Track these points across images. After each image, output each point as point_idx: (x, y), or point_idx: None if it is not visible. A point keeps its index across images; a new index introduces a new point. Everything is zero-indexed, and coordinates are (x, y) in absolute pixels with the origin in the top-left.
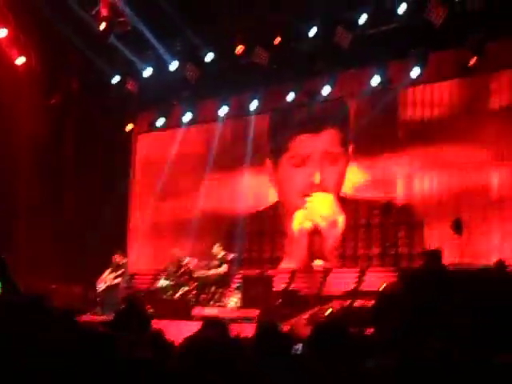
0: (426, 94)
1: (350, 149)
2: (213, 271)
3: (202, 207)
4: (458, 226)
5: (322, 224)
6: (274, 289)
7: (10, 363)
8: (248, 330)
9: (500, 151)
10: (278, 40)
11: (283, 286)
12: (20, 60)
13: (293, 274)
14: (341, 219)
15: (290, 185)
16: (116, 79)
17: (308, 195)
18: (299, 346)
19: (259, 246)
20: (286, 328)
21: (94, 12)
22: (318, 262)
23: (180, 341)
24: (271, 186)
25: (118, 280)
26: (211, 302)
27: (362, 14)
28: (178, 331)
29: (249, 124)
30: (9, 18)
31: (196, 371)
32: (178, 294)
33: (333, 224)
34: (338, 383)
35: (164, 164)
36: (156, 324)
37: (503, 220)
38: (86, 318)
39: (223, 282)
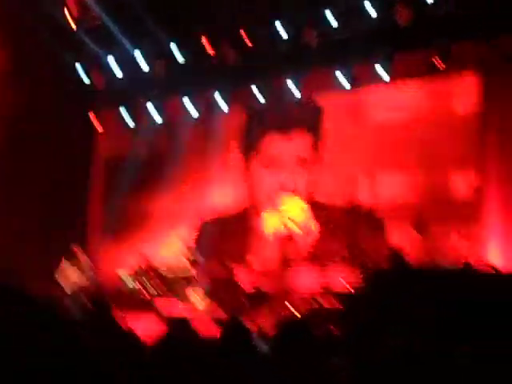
0: (391, 96)
1: (323, 153)
2: (178, 268)
3: (167, 205)
4: (419, 225)
5: (296, 230)
6: (241, 288)
7: None
8: (214, 329)
9: (460, 154)
10: (246, 39)
11: (250, 285)
12: None
13: (260, 273)
14: (314, 227)
15: (260, 186)
16: (83, 75)
17: (279, 199)
18: (264, 345)
19: (227, 245)
20: (252, 327)
21: (63, 7)
22: None
23: (144, 335)
24: (242, 185)
25: (79, 276)
26: (173, 296)
27: (329, 14)
28: (141, 328)
29: (217, 123)
30: None
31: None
32: (142, 292)
33: (305, 232)
34: (301, 381)
35: (128, 161)
36: (120, 320)
37: (464, 221)
38: None
39: (188, 280)
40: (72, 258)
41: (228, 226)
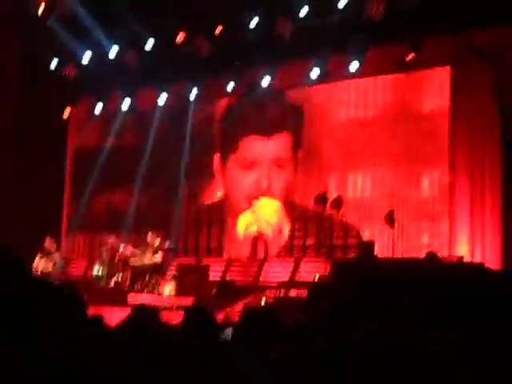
0: (361, 91)
1: (300, 153)
2: (148, 259)
3: (138, 197)
4: (390, 218)
5: (268, 231)
6: (210, 278)
7: None
8: (180, 317)
9: (428, 151)
10: (219, 29)
11: (219, 275)
12: None
13: (228, 263)
14: (287, 228)
15: (236, 186)
16: (54, 64)
17: (254, 199)
18: (229, 332)
19: (196, 236)
20: (220, 317)
21: None
22: None
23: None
24: (217, 180)
25: (51, 267)
26: (146, 290)
27: (303, 5)
28: (112, 318)
29: (188, 114)
30: None
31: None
32: (112, 282)
33: (278, 232)
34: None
35: (100, 152)
36: (91, 311)
37: (432, 218)
38: None
39: (158, 270)
40: (44, 248)
41: (198, 215)
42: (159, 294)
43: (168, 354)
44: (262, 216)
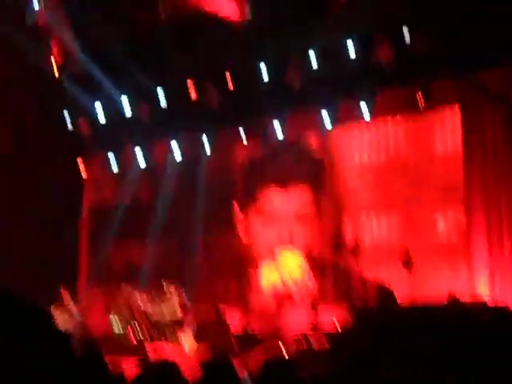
0: (373, 135)
1: (323, 206)
2: (165, 311)
3: (153, 250)
4: (407, 263)
5: (293, 286)
6: (229, 329)
7: None
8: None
9: (445, 192)
10: (229, 81)
11: (238, 326)
12: None
13: (247, 313)
14: (312, 283)
15: (257, 238)
16: (68, 121)
17: (276, 252)
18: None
19: (213, 286)
20: (238, 365)
21: (45, 53)
22: None
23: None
24: (238, 234)
25: (68, 320)
26: (163, 340)
27: (311, 54)
28: (130, 370)
29: (201, 165)
30: None
31: None
32: (130, 334)
33: (304, 288)
34: None
35: (116, 206)
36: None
37: (451, 262)
38: None
39: (177, 322)
40: (60, 303)
41: (218, 268)
42: (178, 346)
43: None
44: (285, 271)
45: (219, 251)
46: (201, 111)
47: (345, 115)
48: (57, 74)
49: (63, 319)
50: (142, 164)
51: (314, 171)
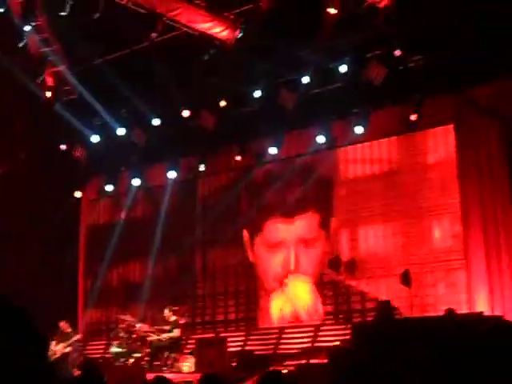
0: (369, 151)
1: (332, 226)
2: (165, 336)
3: (152, 271)
4: (406, 278)
5: (302, 313)
6: (229, 350)
7: None
8: None
9: (439, 205)
10: (223, 103)
11: (238, 346)
12: None
13: (247, 334)
14: (321, 308)
15: (264, 265)
16: (63, 147)
17: (284, 278)
18: None
19: (212, 308)
20: None
21: (39, 81)
22: None
23: None
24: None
25: (68, 349)
26: (164, 368)
27: (304, 75)
28: None
29: (197, 187)
30: None
31: None
32: (130, 361)
33: (314, 313)
34: None
35: (113, 230)
36: None
37: (448, 271)
38: None
39: (176, 346)
40: (59, 331)
41: (217, 289)
42: (179, 371)
43: None
44: (294, 298)
45: (215, 272)
46: (195, 133)
47: (338, 134)
48: (50, 101)
49: (64, 348)
50: (139, 187)
51: (321, 194)
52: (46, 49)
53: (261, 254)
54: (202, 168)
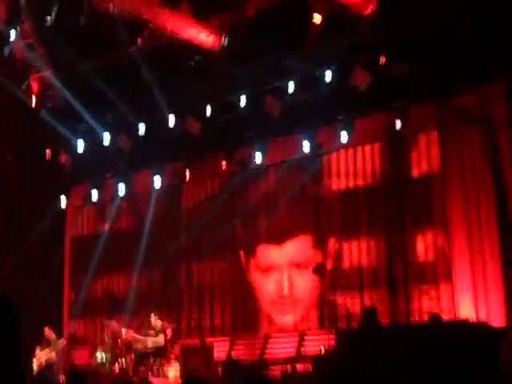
0: (353, 160)
1: (331, 247)
2: (150, 342)
3: (137, 280)
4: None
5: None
6: (215, 357)
7: None
8: None
9: (419, 214)
10: (208, 110)
11: (224, 354)
12: None
13: (232, 341)
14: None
15: (259, 289)
16: (48, 153)
17: (280, 304)
18: None
19: (198, 316)
20: None
21: (24, 86)
22: None
23: None
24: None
25: (54, 355)
26: (150, 374)
27: (289, 82)
28: None
29: (182, 194)
30: None
31: None
32: (116, 367)
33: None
34: None
35: (98, 238)
36: None
37: (432, 281)
38: None
39: (162, 352)
40: (44, 339)
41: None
42: (164, 377)
43: None
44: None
45: (201, 279)
46: (181, 139)
47: (323, 141)
48: (35, 107)
49: (49, 356)
50: (124, 195)
51: (311, 213)
52: (31, 54)
53: (255, 277)
54: (187, 174)
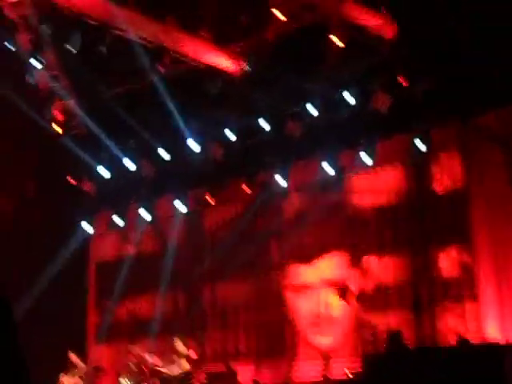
0: (376, 181)
1: (365, 265)
2: (176, 368)
3: (161, 304)
4: (417, 307)
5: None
6: (240, 383)
7: None
8: None
9: (443, 233)
10: (231, 135)
11: (249, 379)
12: None
13: (258, 365)
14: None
15: (295, 310)
16: (72, 181)
17: (317, 326)
18: None
19: (223, 341)
20: None
21: (47, 115)
22: None
23: None
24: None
25: (78, 382)
26: None
27: (309, 105)
28: None
29: (205, 218)
30: None
31: None
32: None
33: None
34: None
35: (122, 263)
36: None
37: (456, 299)
38: None
39: (186, 378)
40: (70, 365)
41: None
42: None
43: None
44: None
45: (226, 303)
46: (203, 165)
47: (345, 164)
48: (58, 135)
49: (74, 382)
50: (147, 219)
51: (353, 235)
52: (55, 84)
53: (290, 300)
54: (209, 200)
